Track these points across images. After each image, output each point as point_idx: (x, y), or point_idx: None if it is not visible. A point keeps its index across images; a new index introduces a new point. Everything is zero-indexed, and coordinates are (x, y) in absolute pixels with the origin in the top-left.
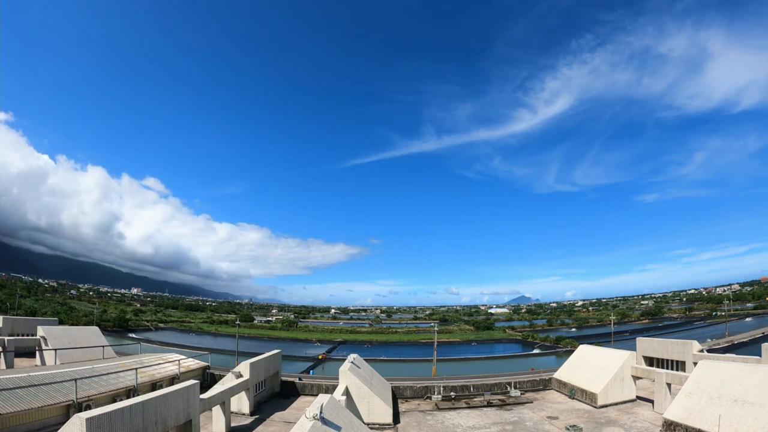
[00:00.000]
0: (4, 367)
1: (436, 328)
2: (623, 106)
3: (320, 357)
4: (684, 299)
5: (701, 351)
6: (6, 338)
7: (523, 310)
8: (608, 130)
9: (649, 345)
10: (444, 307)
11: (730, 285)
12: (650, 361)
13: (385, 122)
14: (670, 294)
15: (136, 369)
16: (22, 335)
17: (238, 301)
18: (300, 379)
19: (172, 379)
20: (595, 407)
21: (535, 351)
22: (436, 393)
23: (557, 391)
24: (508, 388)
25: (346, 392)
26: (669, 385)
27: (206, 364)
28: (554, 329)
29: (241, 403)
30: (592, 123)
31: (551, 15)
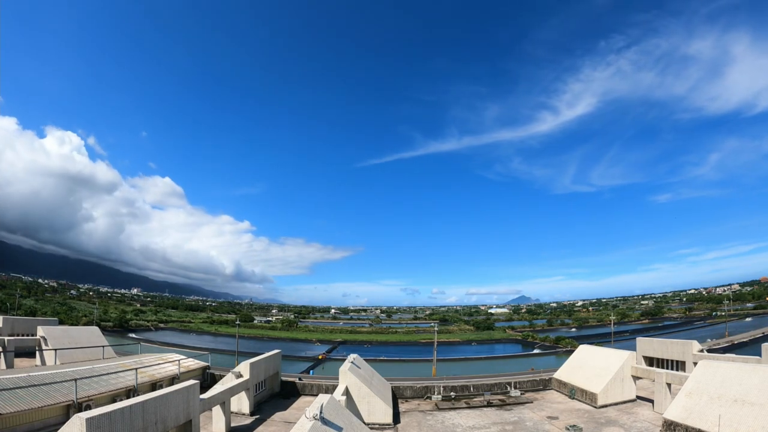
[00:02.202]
0: (4, 367)
1: (436, 328)
2: (645, 108)
3: (320, 357)
4: (684, 299)
5: (701, 351)
6: (6, 338)
7: (523, 310)
8: (628, 132)
9: (649, 345)
10: (444, 307)
11: (730, 285)
12: (650, 361)
13: (408, 123)
14: (670, 294)
15: (136, 369)
16: (22, 335)
17: (238, 301)
18: (300, 379)
19: (172, 379)
20: (595, 407)
21: (535, 351)
22: (436, 393)
23: (557, 391)
24: (508, 388)
25: (346, 392)
26: (669, 385)
27: (206, 364)
28: (554, 329)
29: (241, 403)
30: (612, 124)
31: (585, 15)
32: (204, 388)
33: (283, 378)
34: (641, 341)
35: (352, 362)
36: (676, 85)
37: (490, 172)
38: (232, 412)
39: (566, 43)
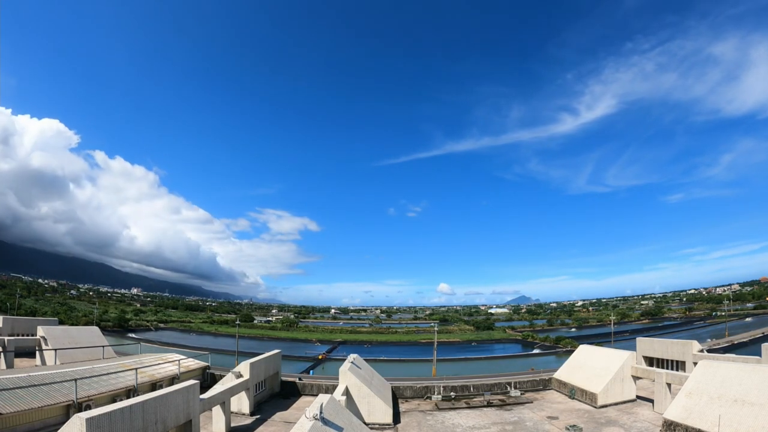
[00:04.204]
0: (4, 367)
1: (436, 328)
2: (664, 109)
3: (320, 357)
4: (684, 299)
5: (701, 351)
6: (6, 338)
7: (523, 310)
8: (646, 133)
9: (649, 345)
10: (444, 307)
11: (730, 285)
12: (650, 361)
13: (430, 123)
14: (670, 294)
15: (136, 369)
16: (22, 335)
17: (238, 301)
18: (300, 379)
19: (172, 379)
20: (595, 407)
21: (535, 351)
22: (436, 393)
23: (557, 391)
24: (508, 388)
25: (346, 392)
26: (669, 385)
27: (206, 364)
28: (554, 329)
29: (241, 403)
30: (630, 126)
31: (614, 17)
32: (204, 388)
33: (283, 378)
34: (641, 341)
35: (352, 362)
36: (696, 87)
37: (508, 173)
38: (232, 412)
39: (592, 45)
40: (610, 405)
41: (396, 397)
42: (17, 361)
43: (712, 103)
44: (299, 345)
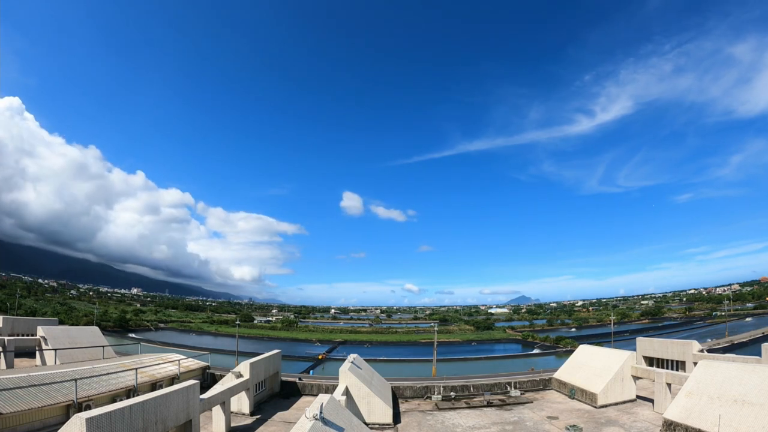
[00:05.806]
0: (4, 367)
1: (436, 328)
2: (679, 110)
3: (320, 357)
4: (684, 299)
5: (701, 351)
6: (6, 338)
7: (523, 310)
8: (660, 134)
9: (649, 345)
10: (444, 307)
11: (730, 285)
12: (650, 361)
13: (447, 124)
14: (670, 294)
15: (136, 369)
16: (22, 335)
17: (238, 301)
18: (300, 379)
19: (172, 379)
20: (595, 407)
21: (535, 351)
22: (436, 393)
23: (557, 391)
24: (508, 388)
25: (346, 392)
26: (669, 385)
27: (206, 364)
28: (554, 329)
29: (241, 403)
30: (645, 127)
31: (635, 17)
32: (204, 388)
33: (283, 378)
34: (641, 341)
35: (352, 362)
36: (711, 88)
37: (523, 174)
38: (232, 412)
39: (611, 47)
40: (610, 405)
41: (396, 397)
42: (17, 361)
43: (725, 105)
44: (299, 345)
